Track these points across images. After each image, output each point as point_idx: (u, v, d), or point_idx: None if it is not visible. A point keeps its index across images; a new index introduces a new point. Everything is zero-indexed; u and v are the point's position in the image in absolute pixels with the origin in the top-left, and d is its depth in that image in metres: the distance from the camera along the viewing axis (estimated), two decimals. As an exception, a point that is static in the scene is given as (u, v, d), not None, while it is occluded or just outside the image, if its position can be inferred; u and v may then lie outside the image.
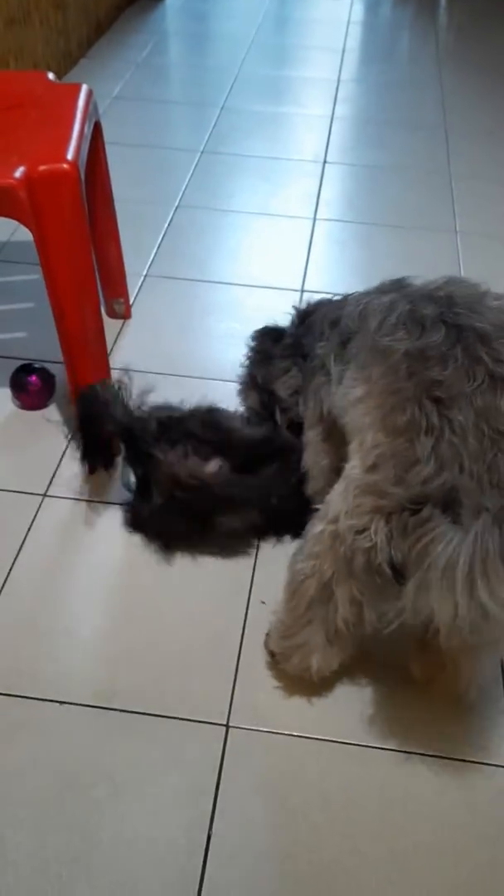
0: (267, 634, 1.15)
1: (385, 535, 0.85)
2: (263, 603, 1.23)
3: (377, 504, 0.86)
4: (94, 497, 1.39)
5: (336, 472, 1.02)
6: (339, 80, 3.02)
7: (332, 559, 0.94)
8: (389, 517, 0.85)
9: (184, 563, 1.29)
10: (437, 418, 0.85)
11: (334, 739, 1.07)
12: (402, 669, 1.15)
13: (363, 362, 0.98)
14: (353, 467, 0.92)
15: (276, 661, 1.12)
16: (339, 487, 0.95)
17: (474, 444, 0.84)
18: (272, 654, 1.13)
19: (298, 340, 1.28)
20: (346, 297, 1.18)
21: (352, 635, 0.99)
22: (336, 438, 1.12)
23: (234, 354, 1.53)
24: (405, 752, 1.07)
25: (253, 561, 1.29)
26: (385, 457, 0.87)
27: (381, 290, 1.10)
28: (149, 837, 0.97)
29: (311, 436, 1.23)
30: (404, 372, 0.91)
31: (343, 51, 3.29)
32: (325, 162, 2.46)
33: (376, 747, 1.07)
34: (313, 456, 1.23)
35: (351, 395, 0.98)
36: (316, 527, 0.97)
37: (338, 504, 0.92)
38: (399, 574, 0.84)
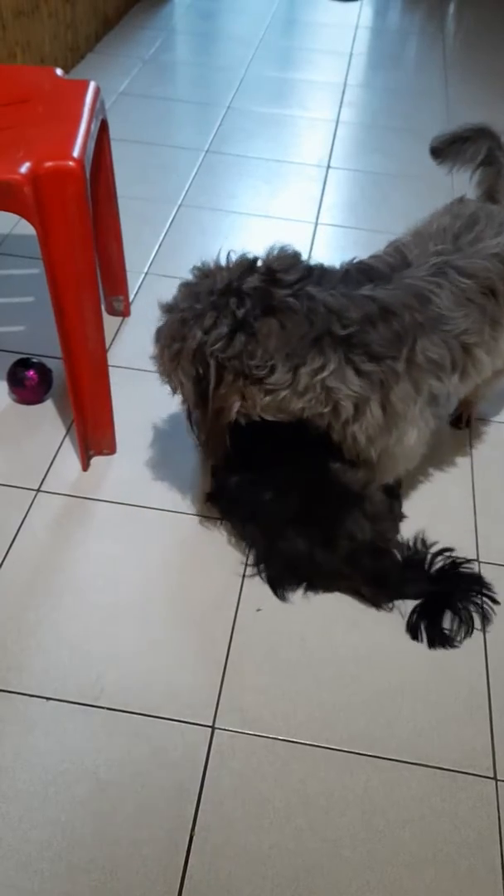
0: None
1: None
2: (259, 610, 1.24)
3: None
4: (88, 494, 1.39)
5: None
6: (345, 85, 3.02)
7: None
8: None
9: (175, 566, 1.30)
10: None
11: (318, 744, 1.08)
12: (386, 676, 1.16)
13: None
14: None
15: None
16: None
17: None
18: None
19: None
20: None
21: None
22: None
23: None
24: (388, 759, 1.07)
25: (243, 568, 1.30)
26: None
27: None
28: (132, 836, 0.98)
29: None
30: None
31: (350, 55, 3.29)
32: (328, 166, 2.47)
33: (360, 753, 1.08)
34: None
35: None
36: None
37: None
38: None
